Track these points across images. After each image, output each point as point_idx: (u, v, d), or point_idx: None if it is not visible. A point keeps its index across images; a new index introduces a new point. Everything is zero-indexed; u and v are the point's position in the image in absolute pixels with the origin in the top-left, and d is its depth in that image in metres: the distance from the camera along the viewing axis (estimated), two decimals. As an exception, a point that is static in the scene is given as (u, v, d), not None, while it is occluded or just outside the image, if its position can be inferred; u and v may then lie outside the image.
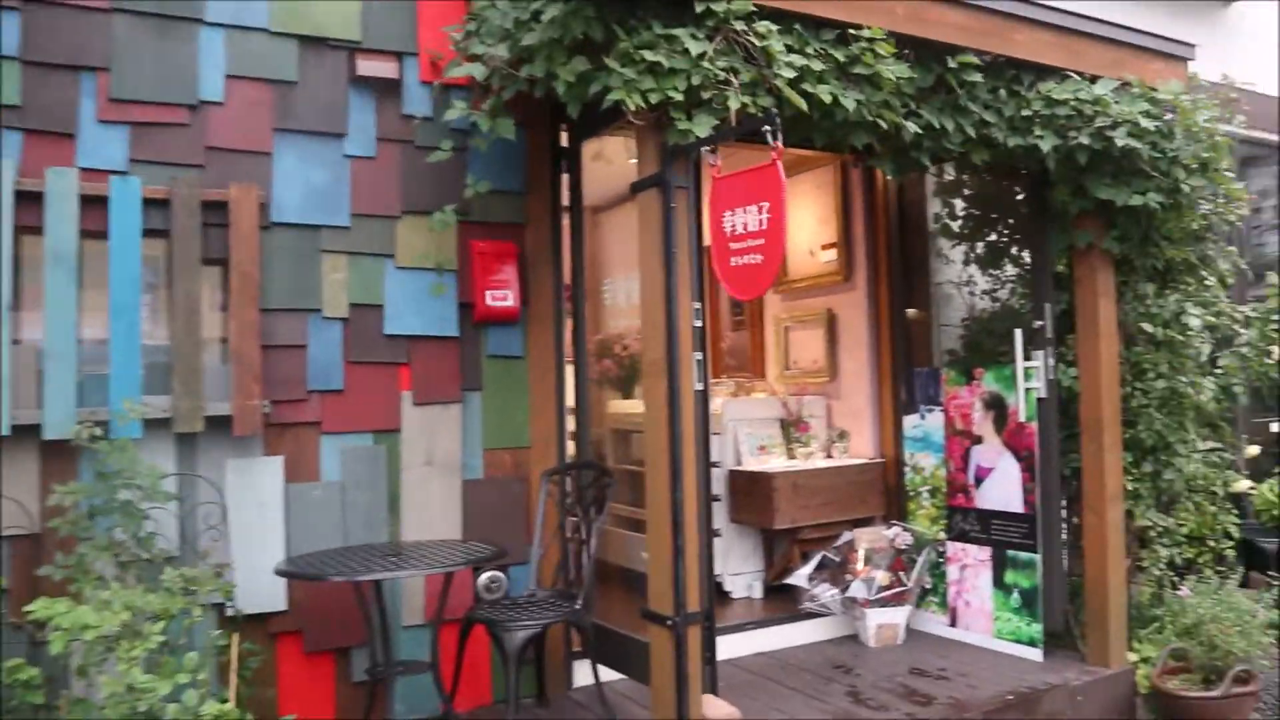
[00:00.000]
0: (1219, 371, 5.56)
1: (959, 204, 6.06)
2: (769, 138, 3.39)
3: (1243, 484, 5.90)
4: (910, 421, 5.96)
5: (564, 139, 5.04)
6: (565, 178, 5.02)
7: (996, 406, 5.40)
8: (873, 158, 4.53)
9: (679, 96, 3.68)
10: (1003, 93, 4.66)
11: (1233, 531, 5.61)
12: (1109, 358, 5.09)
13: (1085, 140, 4.63)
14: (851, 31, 4.08)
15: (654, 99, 3.68)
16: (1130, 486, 5.17)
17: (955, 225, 6.07)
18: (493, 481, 4.69)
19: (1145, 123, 4.65)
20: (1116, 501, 5.04)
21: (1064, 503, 5.22)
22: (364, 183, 4.50)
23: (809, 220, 6.83)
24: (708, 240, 3.99)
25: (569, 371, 4.99)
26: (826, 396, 6.66)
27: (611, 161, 6.76)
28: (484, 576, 4.09)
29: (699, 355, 4.06)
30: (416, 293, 4.57)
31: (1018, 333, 5.21)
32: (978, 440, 5.50)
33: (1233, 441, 5.91)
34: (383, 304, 4.50)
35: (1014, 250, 5.92)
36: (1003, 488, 5.33)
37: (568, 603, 4.16)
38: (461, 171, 4.65)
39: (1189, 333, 5.22)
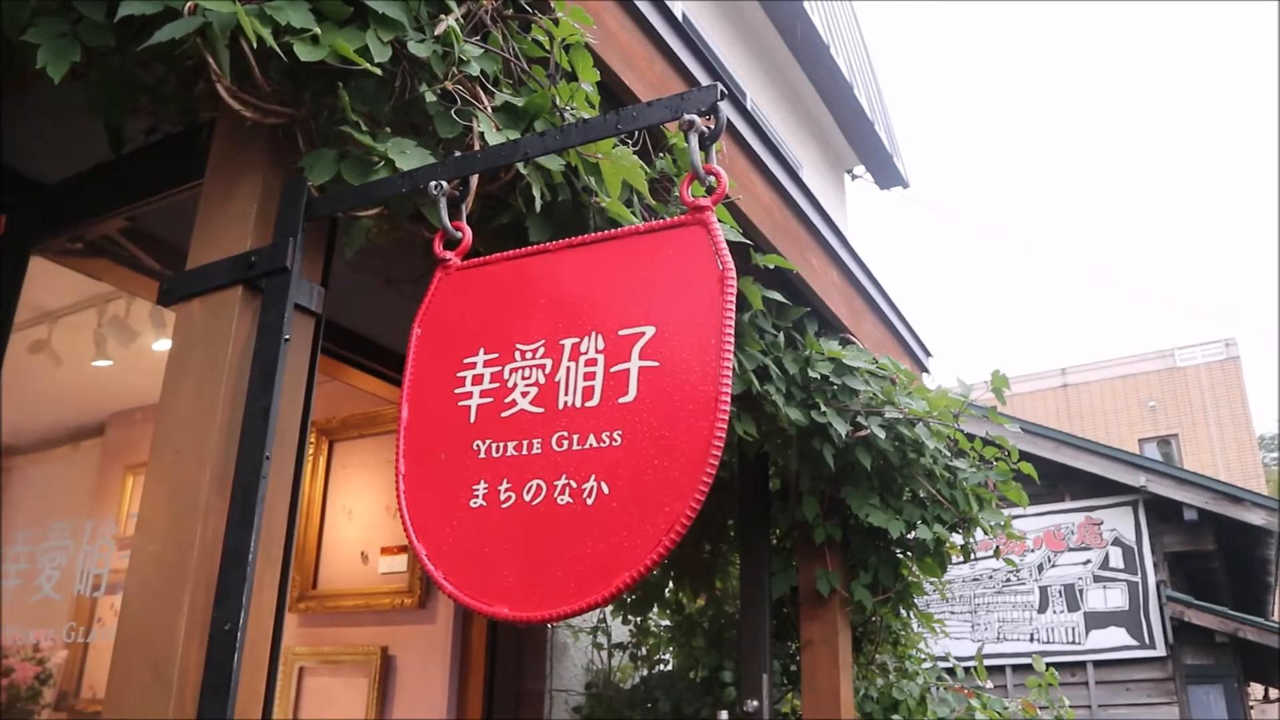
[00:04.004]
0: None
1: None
2: (693, 144, 1.35)
3: None
4: None
5: None
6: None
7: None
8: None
9: (377, 59, 1.58)
10: (782, 339, 3.07)
11: None
12: (851, 766, 3.35)
13: (878, 431, 3.12)
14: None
15: (309, 53, 1.53)
16: None
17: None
18: None
19: (941, 427, 3.29)
20: None
21: None
22: None
23: (365, 506, 4.56)
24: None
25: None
26: (362, 792, 4.11)
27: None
28: None
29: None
30: None
31: (723, 717, 3.32)
32: None
33: None
34: None
35: (671, 588, 4.16)
36: None
37: None
38: None
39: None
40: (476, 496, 1.35)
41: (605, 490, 1.24)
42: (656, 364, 1.26)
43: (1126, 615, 8.83)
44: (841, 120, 8.45)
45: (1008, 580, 9.20)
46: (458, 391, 1.43)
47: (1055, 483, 9.39)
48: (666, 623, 4.19)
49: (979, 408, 3.54)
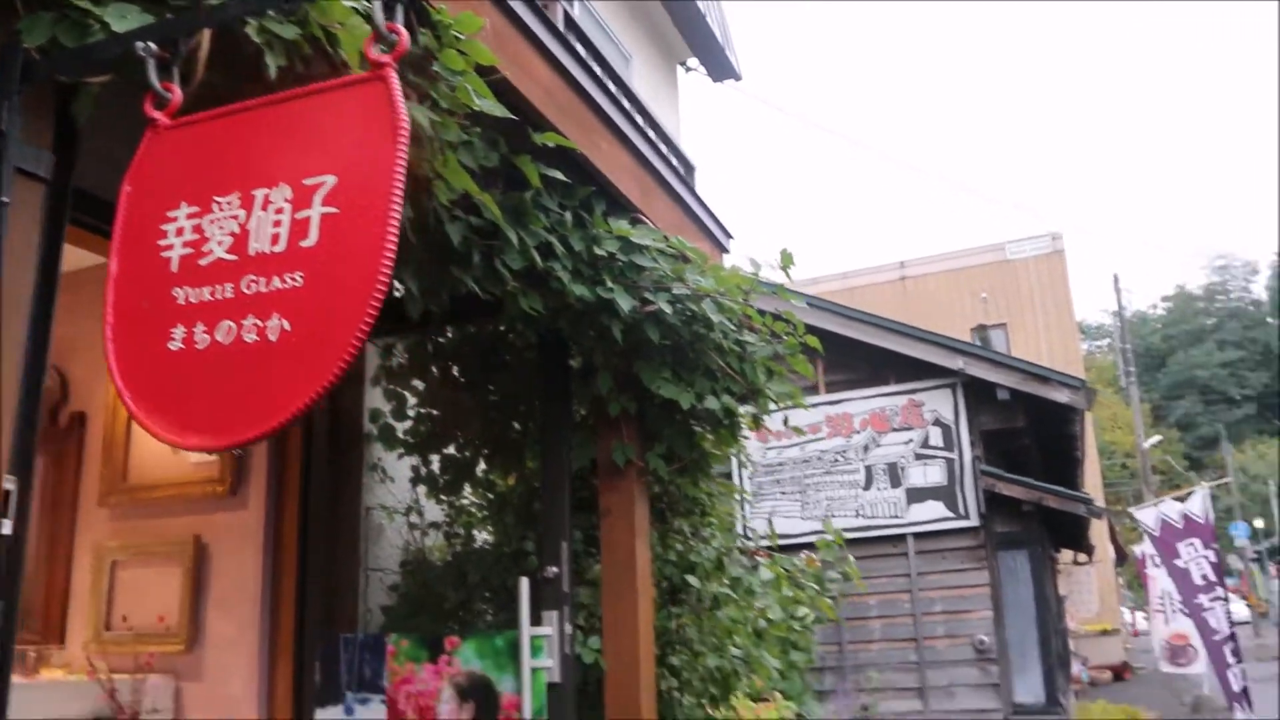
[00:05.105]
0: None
1: (414, 400, 4.31)
2: (376, 4, 1.39)
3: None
4: (328, 718, 3.76)
5: None
6: None
7: (480, 695, 3.51)
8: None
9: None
10: (569, 218, 3.15)
11: None
12: (647, 622, 3.58)
13: (665, 307, 3.26)
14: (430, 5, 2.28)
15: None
16: (665, 817, 3.57)
17: (402, 429, 4.27)
18: None
19: (730, 303, 3.46)
20: (658, 843, 3.39)
21: None
22: None
23: (176, 401, 4.48)
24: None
25: None
26: (178, 677, 4.15)
27: None
28: None
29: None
30: None
31: (524, 583, 3.46)
32: (447, 751, 3.52)
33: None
34: None
35: (484, 468, 4.28)
36: (489, 830, 3.37)
37: None
38: None
39: (746, 590, 3.94)
40: (175, 340, 1.41)
41: (287, 327, 1.32)
42: (336, 210, 1.33)
43: (944, 490, 9.44)
44: (674, 11, 8.45)
45: (835, 461, 9.70)
46: (161, 244, 1.47)
47: (881, 368, 9.88)
48: (480, 501, 4.31)
49: (768, 284, 3.72)
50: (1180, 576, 9.96)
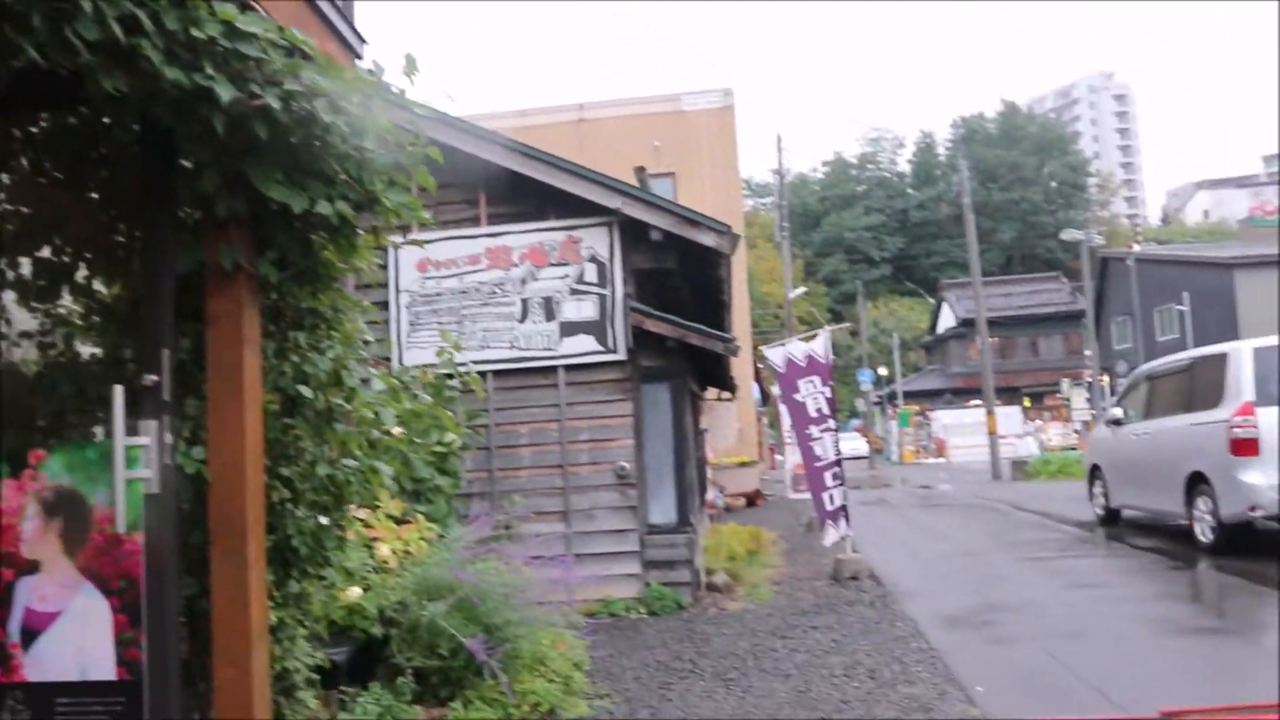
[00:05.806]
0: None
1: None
2: None
3: (355, 591, 4.75)
4: (-112, 540, 3.43)
5: None
6: None
7: (69, 511, 3.34)
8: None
9: None
10: (163, -9, 2.86)
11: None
12: (255, 432, 3.51)
13: (274, 103, 3.09)
14: None
15: None
16: (275, 616, 3.60)
17: (-15, 228, 3.84)
18: None
19: (350, 105, 3.33)
20: (263, 642, 3.42)
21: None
22: None
23: None
24: None
25: None
26: None
27: None
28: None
29: None
30: None
31: (118, 391, 3.28)
32: (31, 568, 3.33)
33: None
34: None
35: (86, 274, 3.95)
36: (77, 644, 3.26)
37: None
38: None
39: (361, 400, 3.92)
40: None
41: None
42: None
43: (596, 324, 9.82)
44: None
45: (493, 293, 9.81)
46: None
47: (544, 203, 9.98)
48: (81, 310, 3.98)
49: (391, 90, 3.61)
50: (797, 409, 11.08)
